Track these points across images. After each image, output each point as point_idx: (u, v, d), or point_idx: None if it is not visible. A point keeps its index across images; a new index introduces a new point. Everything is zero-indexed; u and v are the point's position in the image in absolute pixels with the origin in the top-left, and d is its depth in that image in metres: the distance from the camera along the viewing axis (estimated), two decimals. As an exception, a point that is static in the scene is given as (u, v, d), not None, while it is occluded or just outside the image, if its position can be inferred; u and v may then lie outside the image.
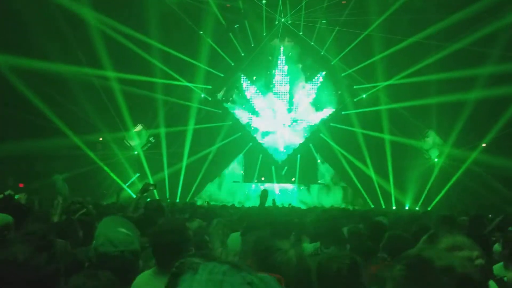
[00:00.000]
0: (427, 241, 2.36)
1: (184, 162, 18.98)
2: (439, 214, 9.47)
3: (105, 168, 17.45)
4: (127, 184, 18.01)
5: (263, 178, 21.09)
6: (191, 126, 19.27)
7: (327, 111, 21.66)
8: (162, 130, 19.09)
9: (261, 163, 21.20)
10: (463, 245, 2.13)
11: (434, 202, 17.73)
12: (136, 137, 19.88)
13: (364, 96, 20.47)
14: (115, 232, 2.57)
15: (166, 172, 18.96)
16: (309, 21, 20.26)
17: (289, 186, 21.18)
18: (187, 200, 17.93)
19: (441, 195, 17.61)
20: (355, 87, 20.64)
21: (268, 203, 9.95)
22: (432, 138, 19.62)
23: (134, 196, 9.91)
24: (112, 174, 17.66)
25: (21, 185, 14.18)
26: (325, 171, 21.52)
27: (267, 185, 20.78)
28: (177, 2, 18.57)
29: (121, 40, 16.59)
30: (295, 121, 21.80)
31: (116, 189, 16.52)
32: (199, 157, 19.48)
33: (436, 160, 19.11)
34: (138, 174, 18.86)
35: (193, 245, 4.15)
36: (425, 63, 17.08)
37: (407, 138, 18.84)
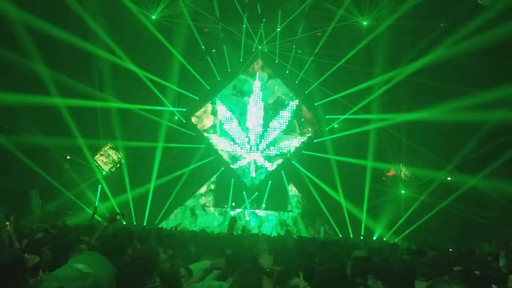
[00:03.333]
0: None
1: (152, 184, 18.70)
2: (409, 248, 9.65)
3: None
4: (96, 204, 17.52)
5: (233, 204, 20.97)
6: (160, 144, 19.08)
7: (300, 139, 21.95)
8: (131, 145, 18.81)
9: (233, 188, 21.11)
10: None
11: (402, 235, 17.93)
12: (106, 157, 19.54)
13: (335, 126, 20.84)
14: (68, 268, 2.54)
15: (129, 194, 18.53)
16: (285, 49, 20.73)
17: (260, 212, 21.09)
18: (156, 224, 17.66)
19: (412, 227, 17.79)
20: (327, 116, 21.04)
21: (238, 230, 9.97)
22: (398, 169, 20.03)
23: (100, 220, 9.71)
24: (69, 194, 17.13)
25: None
26: (295, 198, 21.60)
27: (238, 210, 20.75)
28: (154, 23, 18.66)
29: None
30: (268, 147, 21.91)
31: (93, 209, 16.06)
32: (168, 180, 19.22)
33: (402, 191, 19.52)
34: (100, 186, 18.37)
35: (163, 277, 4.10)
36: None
37: (379, 164, 19.21)
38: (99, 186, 18.18)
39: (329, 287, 3.37)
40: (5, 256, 2.96)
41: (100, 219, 9.81)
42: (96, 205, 12.06)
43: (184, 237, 8.48)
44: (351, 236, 18.37)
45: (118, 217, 5.79)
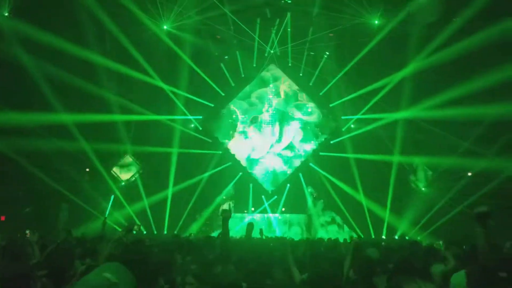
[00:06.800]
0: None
1: (170, 192, 18.86)
2: (425, 246, 9.49)
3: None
4: (107, 214, 17.73)
5: (253, 209, 21.00)
6: (175, 150, 19.26)
7: (317, 141, 21.89)
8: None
9: (252, 193, 21.15)
10: None
11: (425, 232, 17.60)
12: (125, 167, 19.84)
13: (352, 126, 20.72)
14: (97, 276, 2.62)
15: (145, 202, 18.70)
16: (298, 52, 20.74)
17: (278, 215, 21.06)
18: (175, 232, 17.79)
19: (437, 224, 17.44)
20: (343, 117, 20.93)
21: (256, 234, 9.94)
22: (420, 167, 19.74)
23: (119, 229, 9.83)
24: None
25: (2, 218, 14.01)
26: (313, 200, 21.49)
27: (257, 216, 20.76)
28: (167, 33, 18.91)
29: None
30: (285, 150, 21.88)
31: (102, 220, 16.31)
32: (185, 187, 19.35)
33: (423, 189, 19.22)
34: (113, 197, 18.63)
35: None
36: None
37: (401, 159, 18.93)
38: (112, 196, 18.43)
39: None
40: (10, 269, 3.07)
41: (118, 228, 9.95)
42: (106, 215, 12.22)
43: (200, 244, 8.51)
44: (372, 236, 18.19)
45: (135, 227, 5.86)
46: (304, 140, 22.01)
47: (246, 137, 22.04)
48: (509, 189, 15.65)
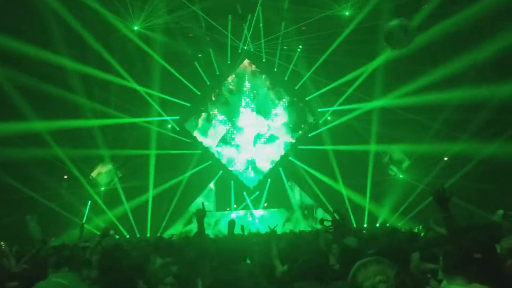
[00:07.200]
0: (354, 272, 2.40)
1: (151, 194, 18.71)
2: (404, 231, 9.65)
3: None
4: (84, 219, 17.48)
5: (235, 206, 21.01)
6: (153, 152, 19.10)
7: (294, 135, 21.99)
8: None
9: (234, 190, 21.15)
10: (375, 272, 2.19)
11: (405, 218, 17.90)
12: (104, 172, 19.59)
13: (328, 118, 20.87)
14: (46, 281, 2.65)
15: (126, 206, 18.54)
16: (271, 47, 20.74)
17: (262, 212, 21.13)
18: (159, 234, 17.71)
19: (416, 210, 17.72)
20: (319, 109, 21.07)
21: (238, 230, 9.96)
22: (395, 153, 20.03)
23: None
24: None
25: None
26: (295, 194, 21.63)
27: (241, 212, 20.80)
28: (138, 34, 18.69)
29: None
30: (264, 145, 21.93)
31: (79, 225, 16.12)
32: (166, 188, 19.21)
33: (401, 176, 19.55)
34: (90, 202, 18.42)
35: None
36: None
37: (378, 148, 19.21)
38: (89, 202, 18.22)
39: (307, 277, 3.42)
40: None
41: (98, 233, 9.82)
42: (83, 221, 12.09)
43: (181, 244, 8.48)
44: (354, 225, 18.38)
45: (111, 232, 5.85)
46: (282, 134, 22.07)
47: (223, 136, 22.00)
48: (485, 171, 16.06)
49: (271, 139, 21.97)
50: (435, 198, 3.57)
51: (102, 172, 19.64)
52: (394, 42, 7.96)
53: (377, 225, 18.51)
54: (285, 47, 20.65)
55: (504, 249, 3.59)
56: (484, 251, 3.38)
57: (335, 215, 5.58)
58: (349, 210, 19.03)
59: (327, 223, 5.83)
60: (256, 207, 20.97)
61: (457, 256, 3.28)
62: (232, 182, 21.32)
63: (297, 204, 21.40)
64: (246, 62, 22.19)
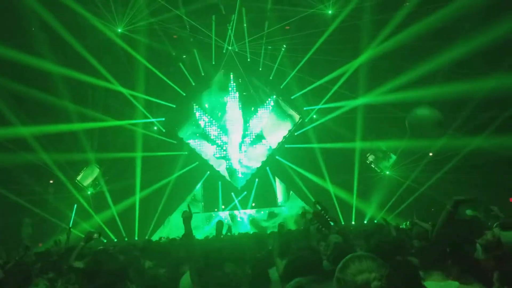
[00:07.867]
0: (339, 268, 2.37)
1: (138, 197, 18.62)
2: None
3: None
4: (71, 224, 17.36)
5: (223, 207, 21.00)
6: (139, 154, 19.00)
7: (281, 134, 22.04)
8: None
9: (221, 191, 21.13)
10: (370, 268, 2.12)
11: (393, 214, 18.06)
12: (90, 176, 19.46)
13: (314, 116, 20.98)
14: None
15: (113, 209, 18.44)
16: (256, 47, 20.76)
17: (251, 211, 21.16)
18: (147, 237, 17.62)
19: (402, 206, 17.93)
20: (305, 108, 21.17)
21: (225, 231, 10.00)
22: (381, 151, 20.24)
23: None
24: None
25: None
26: (283, 193, 21.71)
27: (231, 212, 20.80)
28: (122, 36, 18.58)
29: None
30: (250, 145, 21.96)
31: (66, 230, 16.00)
32: (153, 191, 19.15)
33: (387, 172, 19.74)
34: (75, 206, 18.28)
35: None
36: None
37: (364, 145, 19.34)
38: (75, 206, 18.07)
39: (300, 274, 3.44)
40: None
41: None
42: (70, 226, 12.00)
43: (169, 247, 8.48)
44: (342, 222, 18.51)
45: (95, 235, 5.83)
46: (269, 133, 22.11)
47: (209, 137, 21.97)
48: (470, 165, 16.28)
49: (258, 139, 22.00)
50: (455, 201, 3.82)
51: (88, 176, 19.49)
52: (423, 134, 7.78)
53: (365, 222, 18.64)
54: (269, 47, 20.69)
55: (481, 245, 3.69)
56: (463, 247, 3.46)
57: (317, 206, 5.62)
58: (337, 207, 19.15)
59: (308, 215, 5.87)
60: (244, 207, 20.97)
61: (434, 252, 3.35)
62: (220, 182, 21.29)
63: (285, 203, 21.48)
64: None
